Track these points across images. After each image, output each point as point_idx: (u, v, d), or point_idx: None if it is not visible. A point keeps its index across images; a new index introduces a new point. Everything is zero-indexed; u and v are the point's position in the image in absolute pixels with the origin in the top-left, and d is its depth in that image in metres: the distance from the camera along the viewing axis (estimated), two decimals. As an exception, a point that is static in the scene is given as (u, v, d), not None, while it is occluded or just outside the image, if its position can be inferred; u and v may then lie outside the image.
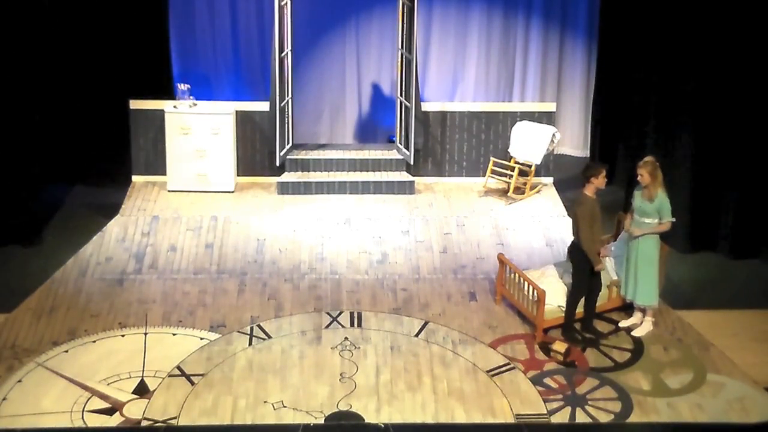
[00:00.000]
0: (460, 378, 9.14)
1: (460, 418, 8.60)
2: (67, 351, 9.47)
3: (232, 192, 12.86)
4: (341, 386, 9.00)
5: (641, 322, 9.99)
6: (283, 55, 12.42)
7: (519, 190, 12.92)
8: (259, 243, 11.65)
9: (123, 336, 9.76)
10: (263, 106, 12.89)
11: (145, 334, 9.80)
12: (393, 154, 13.22)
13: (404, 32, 12.59)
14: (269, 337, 9.78)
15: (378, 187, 12.90)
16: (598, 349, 9.71)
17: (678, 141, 11.56)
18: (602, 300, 9.99)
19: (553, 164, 13.31)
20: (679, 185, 11.20)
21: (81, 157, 13.05)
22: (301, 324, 10.01)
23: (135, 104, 12.82)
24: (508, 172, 12.93)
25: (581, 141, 14.32)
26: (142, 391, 8.90)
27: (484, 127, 13.19)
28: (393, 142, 13.52)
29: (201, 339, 9.72)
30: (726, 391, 9.03)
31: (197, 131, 12.65)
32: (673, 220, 9.63)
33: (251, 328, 9.91)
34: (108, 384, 8.98)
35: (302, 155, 13.14)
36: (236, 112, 12.85)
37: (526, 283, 9.90)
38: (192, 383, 9.00)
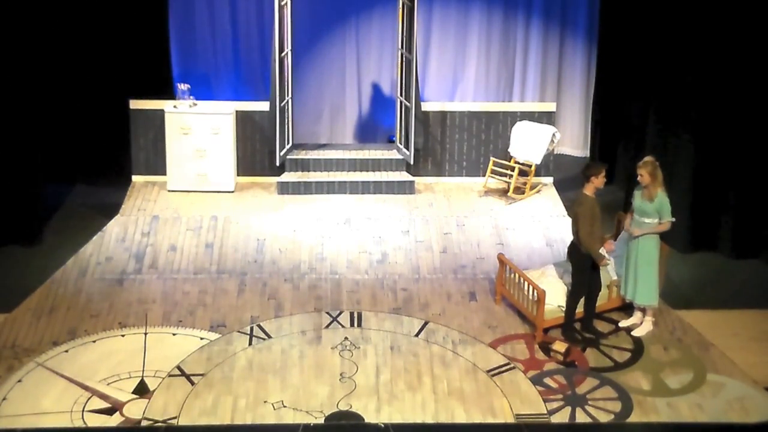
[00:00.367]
0: (460, 378, 9.14)
1: (460, 418, 8.60)
2: (67, 351, 9.47)
3: (232, 192, 12.86)
4: (341, 386, 9.00)
5: (641, 322, 9.99)
6: (283, 55, 12.42)
7: (519, 190, 12.92)
8: (259, 243, 11.65)
9: (123, 336, 9.76)
10: (263, 106, 12.90)
11: (145, 334, 9.80)
12: (393, 154, 13.22)
13: (404, 32, 12.59)
14: (269, 337, 9.78)
15: (378, 187, 12.90)
16: (598, 349, 9.70)
17: (678, 141, 11.55)
18: (602, 300, 9.99)
19: (553, 164, 13.32)
20: (679, 185, 11.20)
21: (81, 157, 13.05)
22: (301, 324, 10.01)
23: (135, 104, 12.82)
24: (508, 172, 12.94)
25: (581, 141, 14.32)
26: (142, 391, 8.90)
27: (484, 127, 13.19)
28: (393, 142, 13.52)
29: (201, 339, 9.72)
30: (726, 391, 9.03)
31: (197, 131, 12.65)
32: (673, 220, 9.63)
33: (251, 328, 9.91)
34: (108, 384, 8.98)
35: (302, 155, 13.14)
36: (236, 112, 12.86)
37: (526, 283, 9.90)
38: (192, 383, 9.00)
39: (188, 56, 13.73)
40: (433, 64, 14.08)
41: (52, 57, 12.44)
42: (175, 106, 12.69)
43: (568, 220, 11.67)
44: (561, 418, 8.66)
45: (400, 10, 12.56)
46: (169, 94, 13.08)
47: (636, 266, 9.72)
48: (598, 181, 9.46)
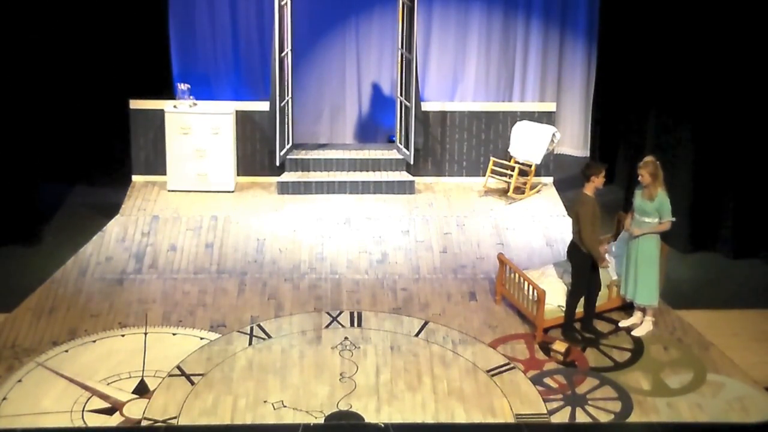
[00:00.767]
0: (460, 378, 9.14)
1: (460, 417, 8.61)
2: (67, 351, 9.47)
3: (232, 192, 12.86)
4: (341, 386, 9.00)
5: (641, 322, 9.99)
6: (283, 54, 12.42)
7: (519, 190, 12.92)
8: (259, 243, 11.65)
9: (123, 336, 9.76)
10: (263, 105, 12.89)
11: (145, 333, 9.80)
12: (393, 154, 13.22)
13: (404, 32, 12.59)
14: (269, 336, 9.78)
15: (378, 187, 12.90)
16: (598, 348, 9.71)
17: (678, 141, 11.56)
18: (602, 300, 9.99)
19: (553, 164, 13.32)
20: (679, 185, 11.20)
21: (81, 157, 13.04)
22: (301, 324, 10.02)
23: (135, 104, 12.82)
24: (508, 171, 12.94)
25: (581, 141, 14.32)
26: (142, 390, 8.90)
27: (484, 127, 13.19)
28: (393, 141, 13.52)
29: (201, 339, 9.72)
30: (726, 391, 9.03)
31: (197, 131, 12.65)
32: (674, 219, 9.63)
33: (251, 328, 9.91)
34: (108, 384, 8.98)
35: (302, 155, 13.14)
36: (236, 112, 12.85)
37: (526, 283, 9.90)
38: (192, 383, 9.00)
39: (188, 56, 13.73)
40: (433, 64, 14.08)
41: (52, 57, 12.46)
42: (175, 106, 12.69)
43: (568, 220, 11.68)
44: (561, 418, 8.66)
45: (400, 10, 12.56)
46: (169, 94, 13.08)
47: (636, 266, 9.72)
48: (599, 180, 9.47)
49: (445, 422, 8.55)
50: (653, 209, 9.52)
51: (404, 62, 12.71)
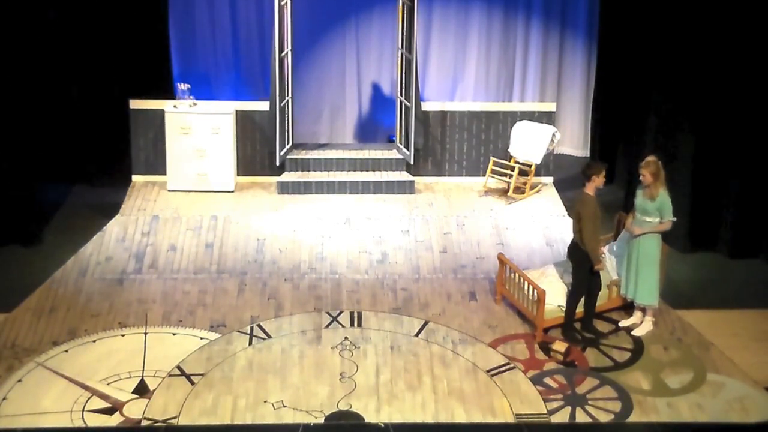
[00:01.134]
0: (460, 378, 9.14)
1: (460, 417, 8.60)
2: (67, 351, 9.47)
3: (232, 192, 12.86)
4: (341, 386, 9.00)
5: (641, 322, 9.99)
6: (283, 54, 12.42)
7: (519, 190, 12.92)
8: (259, 243, 11.65)
9: (123, 336, 9.76)
10: (263, 105, 12.89)
11: (145, 333, 9.80)
12: (393, 154, 13.22)
13: (404, 32, 12.59)
14: (269, 336, 9.78)
15: (378, 187, 12.90)
16: (598, 348, 9.70)
17: (678, 140, 11.55)
18: (602, 300, 9.99)
19: (553, 164, 13.32)
20: (679, 185, 11.19)
21: (81, 157, 13.04)
22: (301, 324, 10.02)
23: (135, 104, 12.82)
24: (508, 171, 12.94)
25: (581, 141, 14.32)
26: (142, 390, 8.90)
27: (484, 127, 13.19)
28: (393, 141, 13.52)
29: (201, 339, 9.72)
30: (726, 391, 9.03)
31: (197, 131, 12.65)
32: (675, 219, 9.63)
33: (251, 328, 9.91)
34: (108, 384, 8.98)
35: (302, 155, 13.14)
36: (236, 111, 12.85)
37: (526, 283, 9.90)
38: (192, 383, 9.00)
39: (188, 56, 13.73)
40: (433, 64, 14.08)
41: (52, 57, 12.45)
42: (175, 106, 12.69)
43: (568, 220, 11.68)
44: (561, 418, 8.66)
45: (400, 10, 12.56)
46: (169, 94, 13.08)
47: (637, 266, 9.72)
48: (599, 180, 9.48)
49: (445, 422, 8.55)
50: (654, 209, 9.53)
51: (404, 62, 12.71)
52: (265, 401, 8.77)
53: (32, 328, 9.84)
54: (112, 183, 12.96)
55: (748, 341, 9.83)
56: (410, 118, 12.71)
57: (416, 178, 13.05)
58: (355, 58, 13.98)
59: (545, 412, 8.72)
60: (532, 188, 12.98)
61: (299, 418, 8.56)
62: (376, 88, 14.12)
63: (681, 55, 11.38)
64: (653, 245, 9.67)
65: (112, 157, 13.08)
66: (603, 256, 9.88)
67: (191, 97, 12.75)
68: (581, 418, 8.67)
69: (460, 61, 14.06)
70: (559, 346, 9.64)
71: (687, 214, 11.36)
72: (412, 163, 13.02)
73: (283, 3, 12.21)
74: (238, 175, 13.06)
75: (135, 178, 13.04)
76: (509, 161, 12.98)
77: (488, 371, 9.25)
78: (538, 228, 12.12)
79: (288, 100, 12.78)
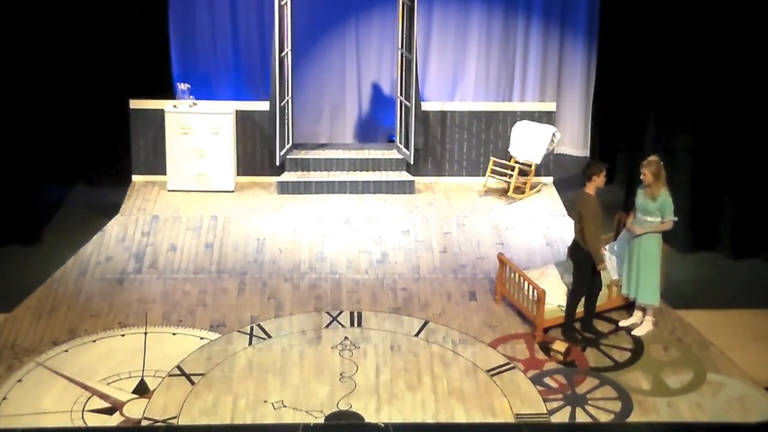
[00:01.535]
0: (460, 377, 9.14)
1: (460, 417, 8.60)
2: (67, 351, 9.47)
3: (232, 192, 12.86)
4: (341, 386, 9.00)
5: (641, 322, 9.99)
6: (283, 54, 12.42)
7: (519, 190, 12.92)
8: (259, 243, 11.65)
9: (123, 336, 9.76)
10: (263, 105, 12.89)
11: (145, 333, 9.80)
12: (393, 154, 13.22)
13: (404, 32, 12.59)
14: (269, 336, 9.78)
15: (378, 187, 12.90)
16: (598, 348, 9.70)
17: (678, 140, 11.55)
18: (602, 300, 9.99)
19: (553, 164, 13.32)
20: (679, 185, 11.18)
21: (81, 157, 13.04)
22: (301, 323, 10.02)
23: (135, 104, 12.82)
24: (508, 171, 12.94)
25: (581, 140, 14.32)
26: (142, 390, 8.90)
27: (484, 127, 13.19)
28: (393, 141, 13.52)
29: (201, 339, 9.72)
30: (726, 391, 9.03)
31: (197, 131, 12.65)
32: (676, 219, 9.63)
33: (251, 328, 9.91)
34: (108, 384, 8.98)
35: (302, 155, 13.14)
36: (236, 111, 12.86)
37: (526, 283, 9.90)
38: (192, 383, 9.00)
39: (188, 56, 13.73)
40: (433, 64, 14.08)
41: (52, 57, 12.45)
42: (175, 106, 12.69)
43: (568, 220, 11.69)
44: (561, 417, 8.66)
45: (400, 10, 12.56)
46: (169, 94, 13.08)
47: (638, 265, 9.72)
48: (600, 180, 9.48)
49: (445, 422, 8.55)
50: (655, 208, 9.53)
51: (404, 62, 12.71)
52: (265, 401, 8.77)
53: (32, 328, 9.84)
54: (112, 183, 12.96)
55: (747, 341, 9.83)
56: (410, 118, 12.71)
57: (416, 178, 13.05)
58: (355, 58, 13.98)
59: (545, 412, 8.72)
60: (532, 188, 12.98)
61: (299, 418, 8.56)
62: (376, 88, 14.12)
63: (681, 55, 11.38)
64: (654, 245, 9.67)
65: (112, 157, 13.08)
66: (604, 255, 9.88)
67: (191, 97, 12.75)
68: (581, 418, 8.67)
69: (460, 61, 14.06)
70: (559, 346, 9.63)
71: (687, 214, 11.35)
72: (412, 163, 13.02)
73: (283, 3, 12.21)
74: (238, 175, 13.06)
75: (135, 178, 13.04)
76: (509, 161, 12.98)
77: (488, 371, 9.25)
78: (538, 228, 12.12)
79: (288, 100, 12.78)
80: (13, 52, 11.35)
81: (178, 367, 9.23)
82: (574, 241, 9.71)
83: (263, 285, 10.77)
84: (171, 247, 11.52)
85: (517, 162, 12.91)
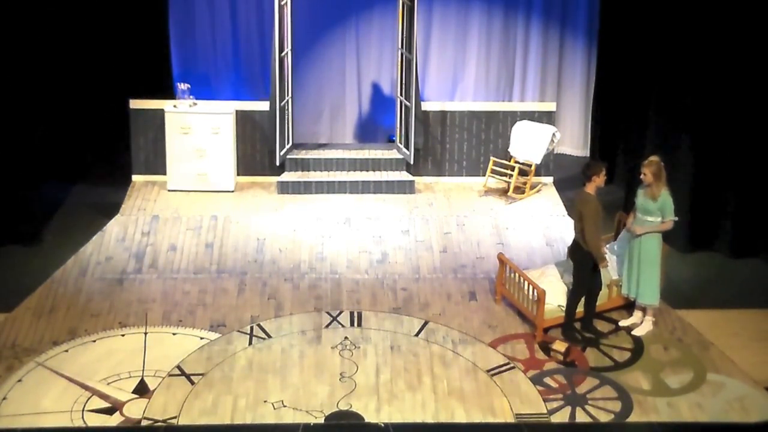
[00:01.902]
0: (460, 377, 9.14)
1: (460, 417, 8.60)
2: (67, 350, 9.47)
3: (232, 192, 12.86)
4: (341, 386, 9.00)
5: (641, 322, 9.99)
6: (283, 54, 12.42)
7: (519, 190, 12.92)
8: (259, 243, 11.65)
9: (123, 336, 9.76)
10: (263, 105, 12.90)
11: (145, 333, 9.80)
12: (393, 154, 13.22)
13: (404, 32, 12.59)
14: (269, 336, 9.78)
15: (378, 187, 12.90)
16: (598, 348, 9.70)
17: (678, 140, 11.55)
18: (602, 299, 9.99)
19: (553, 164, 13.32)
20: (678, 185, 11.17)
21: (81, 156, 13.05)
22: (301, 323, 10.02)
23: (135, 104, 12.82)
24: (508, 171, 12.94)
25: (581, 140, 14.33)
26: (142, 390, 8.90)
27: (484, 127, 13.19)
28: (393, 141, 13.52)
29: (201, 339, 9.72)
30: (726, 391, 9.03)
31: (197, 131, 12.65)
32: (676, 219, 9.63)
33: (251, 328, 9.91)
34: (108, 383, 8.98)
35: (302, 155, 13.15)
36: (236, 111, 12.86)
37: (526, 283, 9.90)
38: (192, 383, 9.00)
39: (188, 56, 13.74)
40: (433, 64, 14.08)
41: (52, 57, 12.46)
42: (175, 106, 12.69)
43: (568, 220, 11.68)
44: (561, 417, 8.66)
45: (400, 10, 12.56)
46: (169, 93, 13.09)
47: (638, 265, 9.72)
48: (600, 180, 9.48)
49: (445, 422, 8.55)
50: (656, 208, 9.53)
51: (404, 62, 12.71)
52: (265, 401, 8.77)
53: (32, 328, 9.84)
54: (112, 183, 12.97)
55: (748, 341, 9.83)
56: (410, 118, 12.71)
57: (416, 178, 13.05)
58: (355, 58, 13.99)
59: (545, 412, 8.71)
60: (532, 188, 12.98)
61: (299, 418, 8.56)
62: (376, 88, 14.12)
63: (681, 55, 11.38)
64: (654, 245, 9.67)
65: (112, 157, 13.09)
66: (605, 253, 9.88)
67: (191, 97, 12.75)
68: (581, 418, 8.67)
69: (460, 61, 14.07)
70: (559, 345, 9.64)
71: (687, 213, 11.35)
72: (412, 162, 13.02)
73: (283, 3, 12.21)
74: (238, 174, 13.06)
75: (135, 177, 13.04)
76: (509, 161, 12.98)
77: (488, 371, 9.25)
78: (538, 228, 12.12)
79: (288, 100, 12.79)
80: (13, 52, 11.35)
81: (178, 367, 9.23)
82: (574, 241, 9.71)
83: (263, 285, 10.77)
84: (171, 247, 11.52)
85: (517, 162, 12.91)
